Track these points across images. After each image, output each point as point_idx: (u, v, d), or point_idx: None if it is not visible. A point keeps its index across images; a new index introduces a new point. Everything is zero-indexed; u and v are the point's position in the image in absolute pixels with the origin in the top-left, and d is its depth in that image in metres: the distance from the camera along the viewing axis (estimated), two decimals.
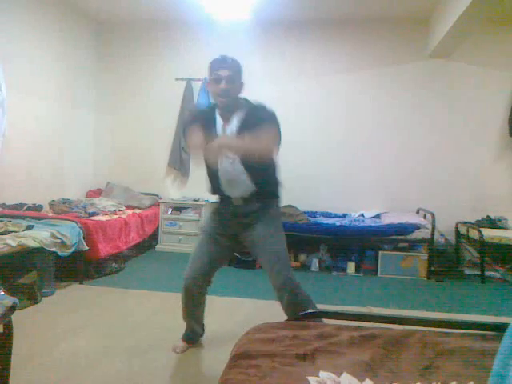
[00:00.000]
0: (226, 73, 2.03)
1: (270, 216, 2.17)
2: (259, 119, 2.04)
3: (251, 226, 2.15)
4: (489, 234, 4.13)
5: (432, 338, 1.37)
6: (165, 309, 3.06)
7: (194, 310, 2.35)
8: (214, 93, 2.10)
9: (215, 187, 2.21)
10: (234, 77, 2.06)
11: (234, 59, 2.10)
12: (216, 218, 2.26)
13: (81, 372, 2.10)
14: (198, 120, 2.15)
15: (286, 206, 4.65)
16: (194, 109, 2.28)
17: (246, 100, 2.18)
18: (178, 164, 5.28)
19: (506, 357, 0.75)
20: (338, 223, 4.46)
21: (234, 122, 2.11)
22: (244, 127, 2.07)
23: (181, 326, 2.43)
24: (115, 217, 4.32)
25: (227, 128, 2.12)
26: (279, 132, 2.08)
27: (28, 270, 3.03)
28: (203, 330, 2.47)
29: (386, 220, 4.52)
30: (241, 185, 2.12)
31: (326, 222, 4.54)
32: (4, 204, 3.96)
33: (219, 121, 2.14)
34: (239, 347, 1.32)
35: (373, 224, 4.45)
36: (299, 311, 1.95)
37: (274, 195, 2.23)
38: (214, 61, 2.08)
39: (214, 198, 2.31)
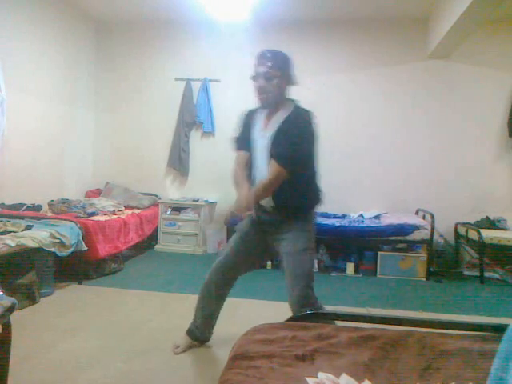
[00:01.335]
0: (263, 69, 1.97)
1: (298, 230, 2.09)
2: (291, 133, 1.98)
3: (278, 236, 2.11)
4: (488, 234, 4.13)
5: (431, 339, 1.37)
6: (164, 309, 3.06)
7: (210, 316, 2.34)
8: (255, 90, 2.04)
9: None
10: (273, 73, 1.98)
11: (277, 53, 2.03)
12: (253, 220, 2.23)
13: (80, 372, 2.09)
14: (243, 138, 2.15)
15: None
16: (243, 117, 2.23)
17: (293, 101, 2.11)
18: (178, 164, 5.28)
19: (505, 358, 0.75)
20: (337, 224, 4.45)
21: (274, 124, 2.06)
22: (280, 134, 2.02)
23: (180, 326, 2.43)
24: (114, 217, 4.31)
25: (268, 128, 2.07)
26: (307, 146, 2.03)
27: (27, 270, 3.03)
28: (210, 334, 2.42)
29: (386, 221, 4.52)
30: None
31: (325, 222, 4.53)
32: (3, 204, 3.96)
33: (260, 121, 2.11)
34: (238, 348, 1.31)
35: (372, 225, 4.44)
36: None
37: (302, 207, 2.15)
38: (256, 55, 2.03)
39: None
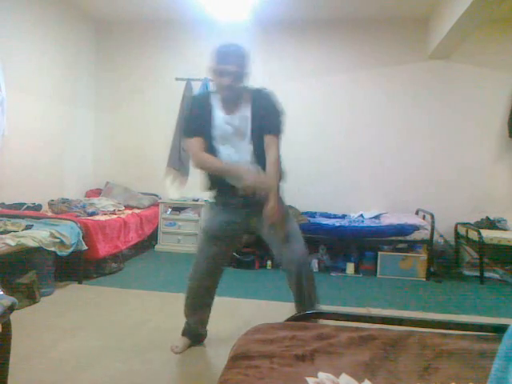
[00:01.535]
0: (232, 68, 1.97)
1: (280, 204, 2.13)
2: (269, 111, 2.09)
3: (261, 212, 2.09)
4: (488, 235, 4.13)
5: (431, 339, 1.37)
6: (164, 309, 3.06)
7: (198, 309, 2.34)
8: (218, 85, 2.05)
9: (221, 180, 2.14)
10: (241, 72, 2.01)
11: (241, 50, 2.05)
12: (222, 211, 2.21)
13: (80, 372, 2.10)
14: (200, 124, 2.11)
15: None
16: (194, 104, 2.21)
17: (247, 87, 2.14)
18: (178, 164, 5.28)
19: (506, 358, 0.75)
20: (337, 224, 4.45)
21: (245, 112, 2.08)
22: (257, 117, 2.07)
23: (180, 326, 2.42)
24: (114, 217, 4.32)
25: (235, 115, 2.09)
26: (283, 118, 2.14)
27: (27, 270, 3.03)
28: (206, 332, 2.46)
29: (386, 221, 4.52)
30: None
31: (325, 222, 4.54)
32: (3, 203, 3.95)
33: (218, 109, 2.10)
34: (238, 348, 1.31)
35: (372, 225, 4.44)
36: (306, 289, 2.04)
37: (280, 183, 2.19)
38: (220, 52, 2.02)
39: (214, 194, 2.27)
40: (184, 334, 2.41)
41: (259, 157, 2.09)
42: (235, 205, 2.16)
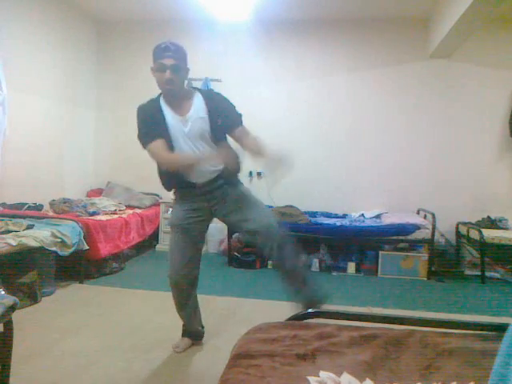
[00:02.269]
0: (171, 61, 2.02)
1: (239, 188, 2.23)
2: (225, 105, 2.15)
3: (222, 199, 2.18)
4: (489, 234, 4.13)
5: (432, 338, 1.37)
6: (165, 308, 3.05)
7: (186, 303, 2.34)
8: (159, 81, 2.08)
9: (178, 178, 2.16)
10: (179, 65, 2.04)
11: (179, 46, 2.10)
12: (184, 203, 2.23)
13: (81, 371, 2.10)
14: (154, 128, 2.10)
15: (286, 206, 4.66)
16: (143, 112, 2.20)
17: (193, 88, 2.21)
18: None
19: (507, 357, 0.75)
20: (338, 223, 4.45)
21: (196, 109, 2.10)
22: (215, 117, 2.11)
23: (181, 326, 2.43)
24: (115, 216, 4.32)
25: (188, 115, 2.09)
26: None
27: (28, 270, 3.03)
28: (203, 328, 2.48)
29: (387, 220, 4.52)
30: (207, 169, 2.12)
31: (326, 222, 4.54)
32: (4, 203, 3.96)
33: (168, 111, 2.12)
34: (239, 347, 1.31)
35: (373, 224, 4.44)
36: (289, 261, 2.07)
37: (237, 171, 2.21)
38: (157, 48, 2.07)
39: (174, 191, 2.31)
40: (184, 334, 2.44)
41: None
42: (195, 195, 2.18)
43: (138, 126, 2.18)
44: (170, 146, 2.10)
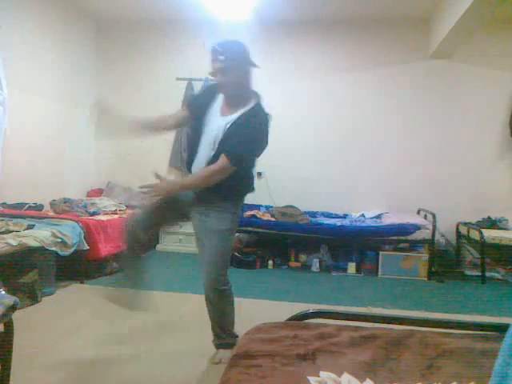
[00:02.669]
0: (218, 65, 1.96)
1: (225, 210, 2.11)
2: (247, 129, 1.99)
3: (204, 210, 2.12)
4: (489, 234, 4.13)
5: (433, 338, 1.37)
6: (165, 308, 3.06)
7: (136, 247, 2.22)
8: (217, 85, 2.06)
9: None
10: (229, 67, 1.95)
11: (228, 45, 2.00)
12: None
13: (81, 372, 2.10)
14: (197, 101, 2.12)
15: (286, 207, 4.66)
16: (204, 88, 2.19)
17: (257, 95, 2.08)
18: (179, 164, 5.28)
19: (508, 357, 0.75)
20: (338, 223, 4.46)
21: (231, 116, 2.04)
22: (234, 128, 2.02)
23: (182, 326, 2.43)
24: (116, 216, 4.31)
25: (224, 116, 2.06)
26: (257, 148, 2.05)
27: (29, 270, 3.03)
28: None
29: (387, 220, 4.52)
30: None
31: (326, 222, 4.54)
32: (5, 203, 3.96)
33: (219, 104, 2.08)
34: (240, 347, 1.31)
35: (373, 224, 4.44)
36: (220, 318, 2.13)
37: (234, 191, 2.13)
38: (211, 50, 2.00)
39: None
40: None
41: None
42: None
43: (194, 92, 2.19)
44: (199, 131, 2.08)
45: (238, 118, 2.02)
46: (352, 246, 4.56)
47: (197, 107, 2.13)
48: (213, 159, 2.02)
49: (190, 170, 2.15)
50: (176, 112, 2.12)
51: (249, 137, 1.99)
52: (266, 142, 2.05)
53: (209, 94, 2.13)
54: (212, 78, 2.06)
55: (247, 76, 2.04)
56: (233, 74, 1.97)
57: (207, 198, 2.10)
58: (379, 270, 4.31)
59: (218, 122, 2.06)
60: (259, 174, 5.05)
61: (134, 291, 2.24)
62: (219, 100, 2.10)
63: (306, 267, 4.50)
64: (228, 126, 2.02)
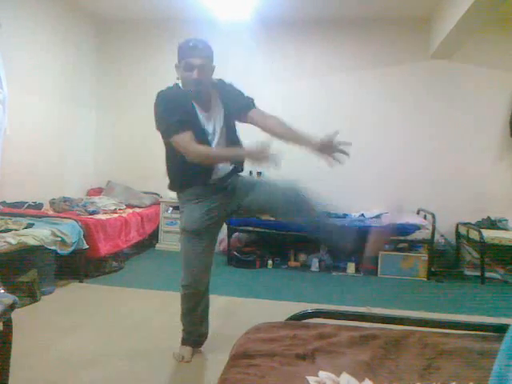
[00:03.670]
0: (198, 61, 1.91)
1: (240, 176, 2.21)
2: (236, 94, 2.12)
3: (233, 192, 2.12)
4: (489, 234, 4.12)
5: (432, 338, 1.37)
6: (165, 308, 3.06)
7: (198, 308, 2.23)
8: (185, 81, 1.98)
9: (195, 175, 2.04)
10: (207, 65, 1.95)
11: (206, 43, 1.99)
12: (197, 203, 2.09)
13: (80, 370, 2.10)
14: (185, 118, 1.96)
15: None
16: (169, 99, 2.02)
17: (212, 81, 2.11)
18: None
19: (507, 358, 0.75)
20: (338, 223, 4.45)
21: (215, 105, 2.06)
22: (229, 112, 2.08)
23: (181, 325, 2.42)
24: (115, 215, 4.31)
25: (211, 116, 2.05)
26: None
27: (28, 268, 3.03)
28: (207, 329, 2.37)
29: (387, 220, 4.51)
30: (226, 165, 2.11)
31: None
32: (4, 202, 3.96)
33: (196, 105, 2.04)
34: (239, 347, 1.31)
35: (373, 224, 4.44)
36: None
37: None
38: (184, 46, 1.94)
39: (185, 190, 2.14)
40: (185, 343, 2.28)
41: (234, 144, 2.13)
42: (212, 193, 2.09)
43: (162, 113, 1.99)
44: (205, 142, 2.01)
45: (219, 98, 2.09)
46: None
47: (193, 124, 2.01)
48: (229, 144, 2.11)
49: (210, 177, 2.08)
50: (191, 139, 1.94)
51: (240, 92, 2.15)
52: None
53: (180, 102, 2.00)
54: (181, 71, 1.98)
55: (212, 74, 2.08)
56: (209, 71, 2.01)
57: (226, 179, 2.16)
58: (379, 270, 4.30)
59: (207, 117, 2.06)
60: (259, 173, 5.04)
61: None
62: (193, 102, 2.04)
63: (305, 267, 4.50)
64: (221, 110, 2.08)
